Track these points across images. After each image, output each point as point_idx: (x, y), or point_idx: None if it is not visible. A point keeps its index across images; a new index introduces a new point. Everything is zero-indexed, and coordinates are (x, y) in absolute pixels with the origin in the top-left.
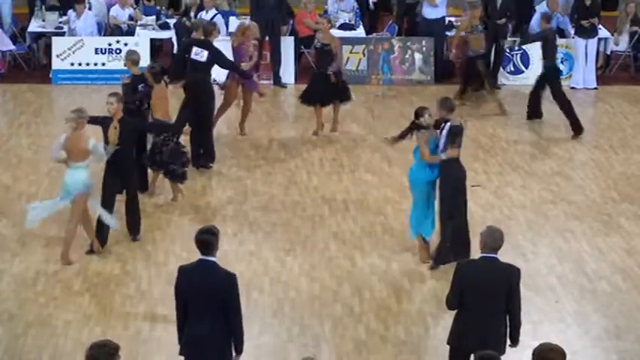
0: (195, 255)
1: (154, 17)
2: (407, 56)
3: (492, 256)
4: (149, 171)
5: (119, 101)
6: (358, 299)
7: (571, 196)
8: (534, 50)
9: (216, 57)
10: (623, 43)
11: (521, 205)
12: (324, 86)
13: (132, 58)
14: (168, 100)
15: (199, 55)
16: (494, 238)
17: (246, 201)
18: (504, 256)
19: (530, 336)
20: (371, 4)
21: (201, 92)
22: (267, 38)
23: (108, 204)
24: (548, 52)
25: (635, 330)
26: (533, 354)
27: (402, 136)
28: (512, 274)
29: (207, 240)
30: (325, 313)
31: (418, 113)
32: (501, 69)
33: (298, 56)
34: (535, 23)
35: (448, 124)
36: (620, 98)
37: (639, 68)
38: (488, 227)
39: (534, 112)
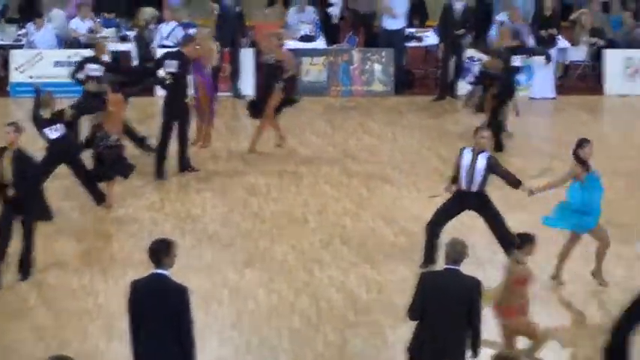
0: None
1: (113, 29)
2: (367, 67)
3: (454, 267)
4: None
5: (17, 131)
6: (316, 311)
7: (531, 206)
8: None
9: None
10: (581, 53)
11: (478, 214)
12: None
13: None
14: (122, 112)
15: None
16: (455, 250)
17: (205, 213)
18: (463, 264)
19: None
20: (334, 16)
21: (180, 106)
22: (226, 50)
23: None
24: None
25: (594, 338)
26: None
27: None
28: (473, 286)
29: (156, 251)
30: (283, 325)
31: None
32: (460, 80)
33: (258, 68)
34: (494, 34)
35: None
36: (579, 108)
37: (597, 78)
38: (451, 239)
39: None
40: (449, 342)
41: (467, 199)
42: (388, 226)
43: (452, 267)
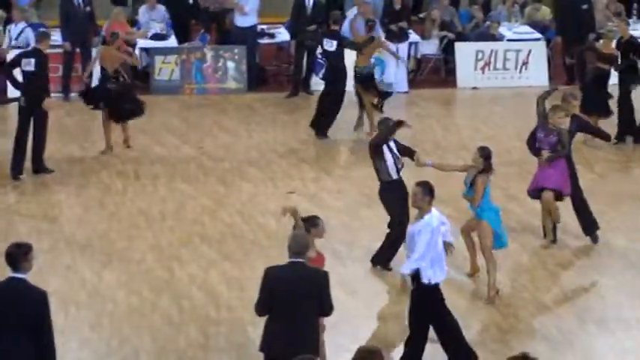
0: (9, 273)
1: None
2: (220, 65)
3: (299, 260)
4: None
5: None
6: (177, 309)
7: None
8: (346, 56)
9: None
10: (432, 47)
11: (337, 210)
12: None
13: None
14: None
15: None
16: (298, 243)
17: (62, 215)
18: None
19: (350, 339)
20: None
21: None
22: (77, 50)
23: None
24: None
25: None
26: (355, 357)
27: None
28: (319, 277)
29: (13, 255)
30: (144, 325)
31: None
32: (313, 75)
33: None
34: (345, 29)
35: None
36: (431, 101)
37: (449, 71)
38: (292, 232)
39: None
40: (299, 334)
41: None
42: (246, 223)
43: (296, 260)
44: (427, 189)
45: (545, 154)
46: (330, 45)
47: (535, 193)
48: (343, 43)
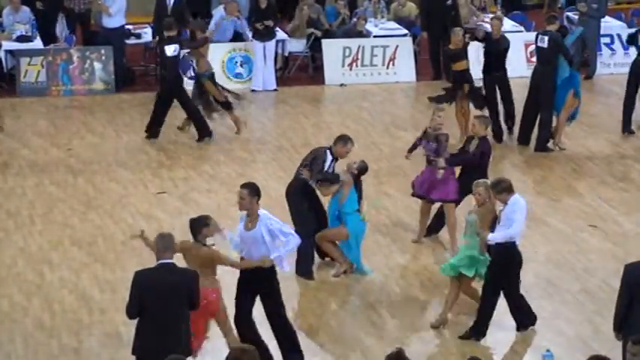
0: None
1: None
2: (86, 66)
3: (169, 261)
4: None
5: None
6: (49, 313)
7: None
8: None
9: None
10: (300, 44)
11: (208, 209)
12: None
13: None
14: None
15: None
16: (167, 243)
17: None
18: None
19: (221, 339)
20: None
21: None
22: None
23: None
24: None
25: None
26: (228, 357)
27: None
28: (188, 277)
29: None
30: (16, 330)
31: None
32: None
33: None
34: (212, 29)
35: None
36: (300, 98)
37: (317, 68)
38: (158, 234)
39: None
40: (170, 334)
41: None
42: (116, 225)
43: (166, 261)
44: (254, 190)
45: (440, 162)
46: (175, 50)
47: (420, 194)
48: (183, 44)
